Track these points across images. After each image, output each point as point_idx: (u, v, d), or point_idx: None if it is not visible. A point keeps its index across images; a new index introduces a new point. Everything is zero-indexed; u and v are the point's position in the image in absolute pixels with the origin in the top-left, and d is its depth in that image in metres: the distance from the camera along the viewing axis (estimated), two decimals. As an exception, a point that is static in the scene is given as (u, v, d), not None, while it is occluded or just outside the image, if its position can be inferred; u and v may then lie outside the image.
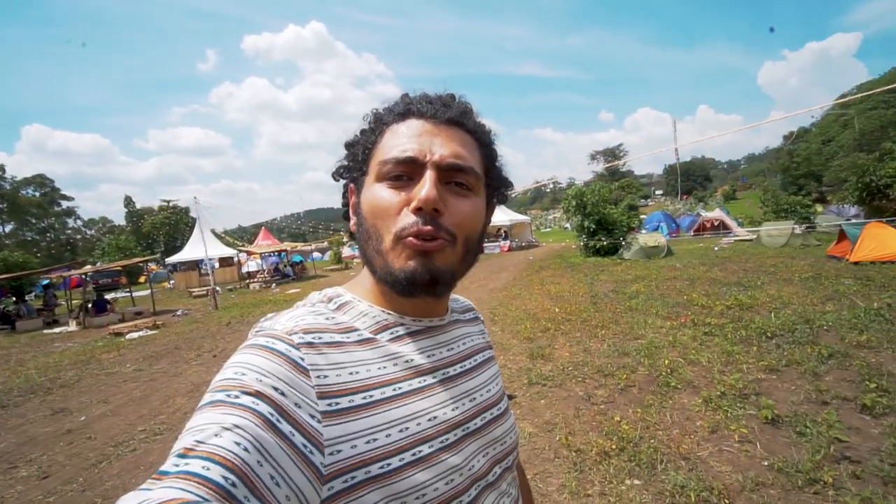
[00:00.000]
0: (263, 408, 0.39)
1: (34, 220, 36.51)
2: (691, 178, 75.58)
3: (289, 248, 24.27)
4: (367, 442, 0.45)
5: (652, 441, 2.85)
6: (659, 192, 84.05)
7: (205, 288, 17.41)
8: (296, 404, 0.42)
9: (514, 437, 0.63)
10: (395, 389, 0.50)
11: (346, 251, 29.37)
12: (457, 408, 0.55)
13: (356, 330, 0.53)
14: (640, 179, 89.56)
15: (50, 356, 8.22)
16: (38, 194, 36.95)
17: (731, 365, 4.00)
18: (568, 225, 28.65)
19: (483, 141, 0.60)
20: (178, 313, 12.66)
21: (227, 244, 26.45)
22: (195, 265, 23.68)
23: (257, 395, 0.40)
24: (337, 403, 0.45)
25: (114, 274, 24.52)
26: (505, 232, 23.74)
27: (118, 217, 42.39)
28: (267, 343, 0.46)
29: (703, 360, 4.15)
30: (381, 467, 0.45)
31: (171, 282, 24.91)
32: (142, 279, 27.61)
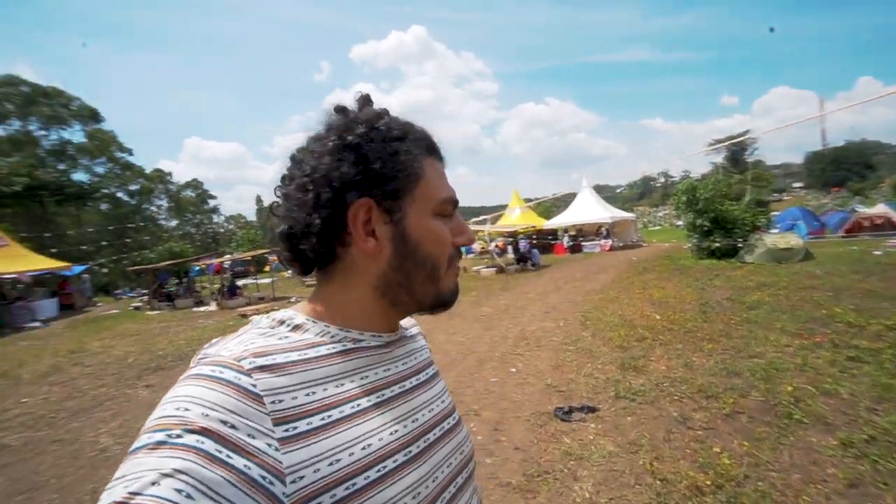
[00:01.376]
0: (210, 445, 0.37)
1: (190, 216, 44.39)
2: (844, 167, 62.90)
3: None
4: (331, 464, 0.43)
5: (760, 483, 2.42)
6: (798, 184, 71.68)
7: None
8: (249, 435, 0.40)
9: (470, 445, 0.64)
10: (353, 407, 0.49)
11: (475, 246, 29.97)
12: (416, 419, 0.55)
13: (312, 346, 0.51)
14: (772, 170, 77.21)
15: (195, 330, 9.82)
16: (193, 195, 44.92)
17: (886, 402, 3.22)
18: (681, 222, 25.92)
19: None
20: (293, 300, 14.20)
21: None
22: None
23: (203, 432, 0.37)
24: (295, 428, 0.43)
25: (245, 263, 28.40)
26: (606, 230, 22.29)
27: (250, 213, 49.23)
28: (212, 372, 0.43)
29: (843, 392, 3.41)
30: (347, 488, 0.43)
31: (290, 271, 28.05)
32: (266, 268, 31.60)
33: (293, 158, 0.56)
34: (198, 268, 21.31)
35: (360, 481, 0.44)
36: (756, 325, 5.47)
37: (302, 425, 0.43)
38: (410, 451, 0.51)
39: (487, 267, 16.14)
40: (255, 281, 21.43)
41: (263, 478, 0.38)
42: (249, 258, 22.66)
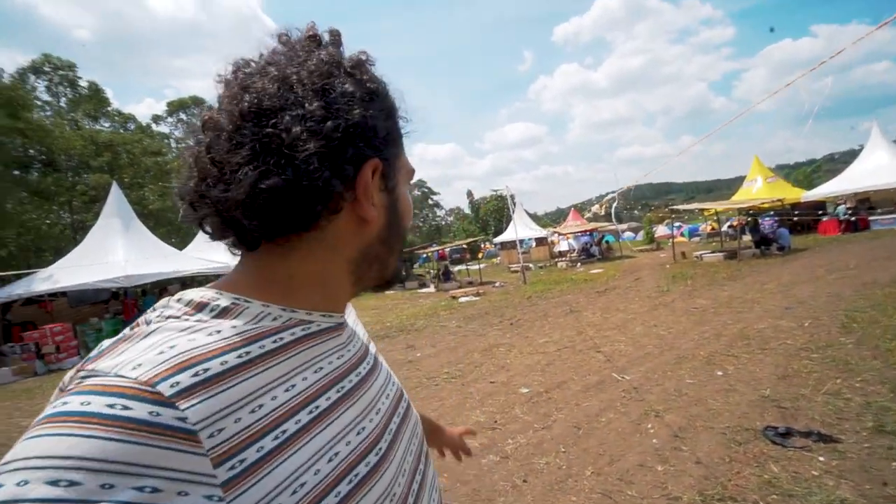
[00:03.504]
0: None
1: (417, 212, 52.61)
2: None
3: (595, 228, 24.39)
4: (294, 492, 0.35)
5: None
6: None
7: (519, 264, 20.12)
8: (180, 493, 0.30)
9: (419, 421, 0.60)
10: (311, 412, 0.40)
11: (662, 230, 26.85)
12: (379, 410, 0.49)
13: (252, 341, 0.39)
14: None
15: (414, 307, 11.66)
16: (419, 193, 52.94)
17: None
18: None
19: None
20: (496, 285, 15.16)
21: (542, 226, 29.40)
22: (515, 244, 27.59)
23: None
24: (243, 461, 0.33)
25: (460, 250, 31.75)
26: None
27: (465, 205, 54.57)
28: (111, 410, 0.29)
29: None
30: None
31: (499, 258, 29.98)
32: (479, 255, 34.57)
33: (245, 86, 0.41)
34: (424, 255, 25.05)
35: (332, 500, 0.38)
36: None
37: (251, 454, 0.34)
38: (381, 449, 0.45)
39: (713, 252, 13.56)
40: (465, 267, 23.75)
41: None
42: (464, 246, 25.34)
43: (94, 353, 0.37)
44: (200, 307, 0.40)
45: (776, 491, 2.25)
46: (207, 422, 0.32)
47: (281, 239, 0.43)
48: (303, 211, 0.41)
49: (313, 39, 0.46)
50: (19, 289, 10.59)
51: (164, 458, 0.29)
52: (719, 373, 3.98)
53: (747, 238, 14.29)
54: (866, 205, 17.17)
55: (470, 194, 53.09)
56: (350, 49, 0.49)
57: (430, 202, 54.12)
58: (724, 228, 19.73)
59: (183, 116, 35.69)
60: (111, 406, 0.30)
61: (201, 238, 15.24)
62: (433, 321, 9.00)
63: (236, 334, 0.39)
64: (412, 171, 0.54)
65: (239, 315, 0.41)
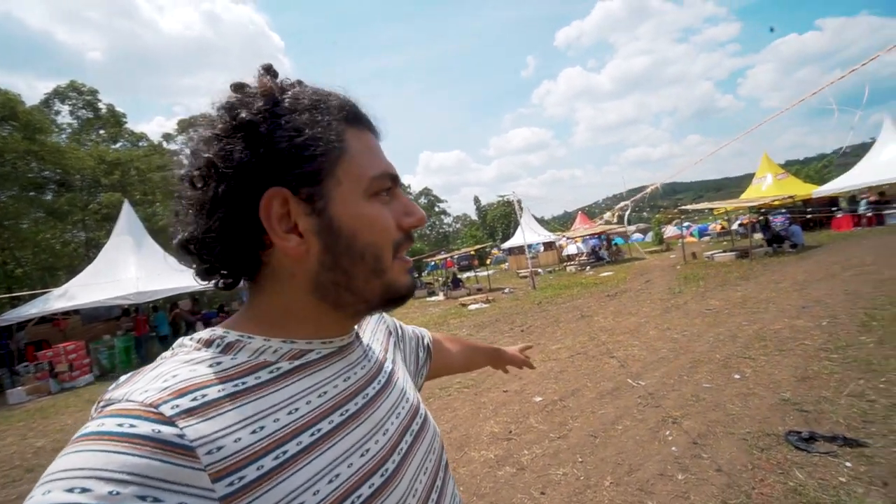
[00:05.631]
0: None
1: None
2: None
3: (603, 231, 24.24)
4: None
5: None
6: None
7: (528, 270, 20.01)
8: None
9: (440, 438, 0.59)
10: (313, 434, 0.42)
11: (671, 230, 26.65)
12: (387, 431, 0.49)
13: (251, 372, 0.42)
14: None
15: (424, 316, 11.63)
16: (425, 201, 52.97)
17: None
18: None
19: None
20: (506, 291, 15.08)
21: (550, 230, 29.32)
22: (523, 249, 27.48)
23: None
24: (241, 478, 0.35)
25: (468, 257, 31.70)
26: (932, 190, 15.25)
27: (472, 212, 54.43)
28: (119, 427, 0.33)
29: None
30: None
31: (507, 264, 29.89)
32: (487, 261, 34.49)
33: (192, 151, 0.46)
34: (433, 263, 25.05)
35: None
36: None
37: (251, 472, 0.36)
38: (387, 470, 0.46)
39: (724, 252, 13.39)
40: (474, 273, 23.70)
41: None
42: (472, 252, 25.31)
43: (112, 385, 0.40)
44: (209, 343, 0.44)
45: (803, 499, 2.17)
46: (205, 440, 0.35)
47: (255, 277, 0.48)
48: (230, 253, 0.45)
49: (236, 88, 0.47)
50: (34, 308, 10.74)
51: (165, 470, 0.32)
52: (737, 376, 3.89)
53: (758, 236, 14.10)
54: (881, 199, 16.85)
55: (477, 200, 53.26)
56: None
57: (437, 209, 54.15)
58: (735, 227, 19.49)
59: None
60: (120, 425, 0.33)
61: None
62: (443, 330, 8.95)
63: (234, 366, 0.42)
64: (372, 176, 0.47)
65: (241, 350, 0.44)
